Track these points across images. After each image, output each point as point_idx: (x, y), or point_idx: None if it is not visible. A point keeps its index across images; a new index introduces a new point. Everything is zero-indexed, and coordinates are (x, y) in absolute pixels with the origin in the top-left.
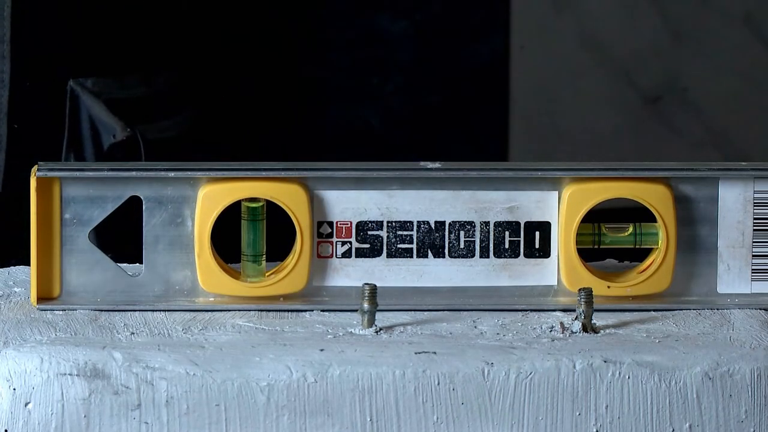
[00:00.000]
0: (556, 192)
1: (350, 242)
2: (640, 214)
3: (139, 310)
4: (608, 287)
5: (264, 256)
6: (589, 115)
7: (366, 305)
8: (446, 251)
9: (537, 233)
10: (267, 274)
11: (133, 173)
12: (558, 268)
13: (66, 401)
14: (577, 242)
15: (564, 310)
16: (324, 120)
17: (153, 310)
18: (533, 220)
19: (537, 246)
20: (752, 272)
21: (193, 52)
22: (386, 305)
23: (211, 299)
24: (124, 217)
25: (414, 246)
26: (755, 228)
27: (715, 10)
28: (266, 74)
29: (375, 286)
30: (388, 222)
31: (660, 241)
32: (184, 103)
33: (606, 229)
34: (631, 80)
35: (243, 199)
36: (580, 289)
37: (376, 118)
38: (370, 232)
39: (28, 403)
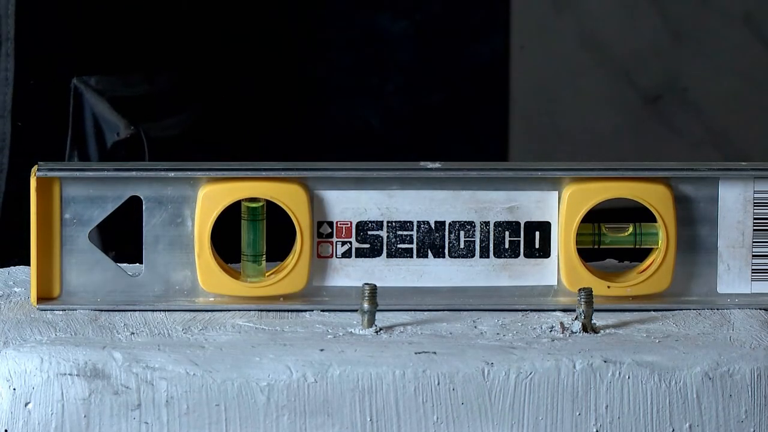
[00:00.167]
0: (556, 192)
1: (350, 242)
2: (640, 214)
3: (139, 310)
4: (608, 287)
5: (264, 256)
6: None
7: (366, 305)
8: (446, 251)
9: (537, 233)
10: (267, 274)
11: (133, 173)
12: (558, 268)
13: (66, 401)
14: (577, 242)
15: (564, 310)
16: (324, 120)
17: (153, 310)
18: (533, 220)
19: (537, 246)
20: (752, 272)
21: (193, 52)
22: (386, 305)
23: (211, 299)
24: (124, 217)
25: (414, 246)
26: (755, 228)
27: (715, 10)
28: (266, 74)
29: (375, 286)
30: (388, 222)
31: (660, 241)
32: (185, 102)
33: (606, 229)
34: (631, 80)
35: (243, 199)
36: (580, 289)
37: (376, 118)
38: (370, 232)
39: (28, 403)
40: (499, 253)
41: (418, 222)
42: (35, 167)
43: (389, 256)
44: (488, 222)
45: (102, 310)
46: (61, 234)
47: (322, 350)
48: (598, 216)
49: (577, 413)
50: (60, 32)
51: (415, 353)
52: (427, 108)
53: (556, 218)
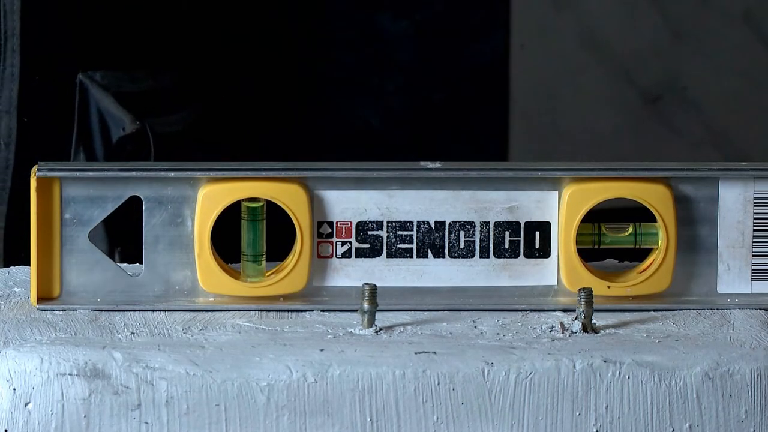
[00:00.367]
0: (556, 192)
1: (350, 242)
2: (640, 214)
3: (139, 310)
4: (608, 287)
5: (264, 256)
6: (589, 114)
7: (366, 305)
8: (446, 251)
9: (537, 233)
10: (267, 274)
11: (133, 173)
12: (558, 268)
13: (66, 401)
14: (577, 242)
15: (564, 310)
16: (324, 120)
17: (153, 310)
18: (533, 220)
19: (537, 246)
20: (752, 272)
21: (193, 52)
22: (386, 305)
23: (211, 299)
24: (124, 217)
25: (414, 246)
26: (755, 228)
27: (715, 9)
28: (266, 74)
29: (375, 286)
30: (388, 222)
31: (660, 241)
32: (186, 100)
33: (606, 229)
34: (631, 80)
35: (243, 199)
36: (580, 289)
37: (376, 118)
38: (370, 232)
39: (28, 403)
40: (499, 253)
41: (418, 222)
42: (35, 167)
43: (389, 256)
44: (488, 222)
45: (102, 310)
46: (61, 234)
47: (322, 350)
48: (598, 216)
49: (577, 413)
50: (65, 28)
51: (415, 353)
52: (427, 108)
53: (556, 218)
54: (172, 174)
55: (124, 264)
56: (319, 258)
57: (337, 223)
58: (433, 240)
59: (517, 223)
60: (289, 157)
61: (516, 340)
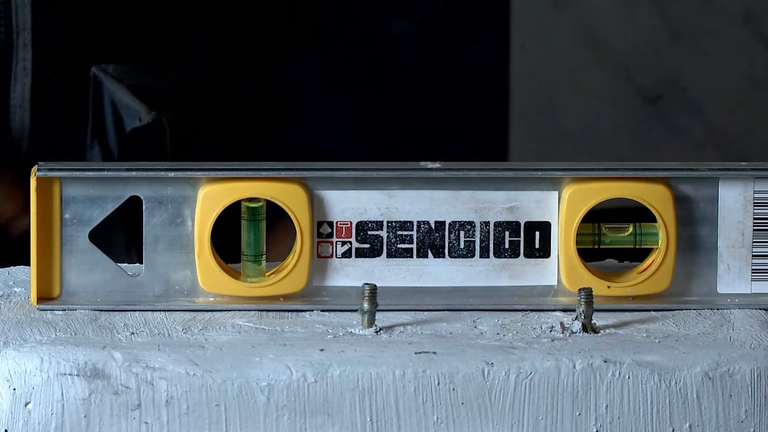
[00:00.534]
0: (556, 192)
1: (350, 242)
2: (640, 214)
3: (139, 310)
4: (608, 287)
5: (264, 256)
6: (589, 114)
7: (366, 305)
8: (446, 251)
9: (537, 233)
10: (267, 274)
11: (133, 173)
12: (558, 268)
13: (66, 401)
14: (577, 242)
15: (564, 310)
16: (324, 120)
17: (153, 310)
18: (533, 220)
19: (537, 246)
20: (752, 272)
21: (193, 52)
22: (386, 305)
23: (211, 299)
24: (124, 216)
25: (414, 246)
26: (755, 228)
27: (715, 9)
28: (266, 74)
29: (375, 286)
30: (388, 222)
31: (660, 241)
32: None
33: (606, 229)
34: (631, 80)
35: (243, 199)
36: (580, 289)
37: (376, 118)
38: (370, 232)
39: (28, 403)
40: (499, 253)
41: (418, 222)
42: (35, 167)
43: (389, 256)
44: (488, 222)
45: (102, 310)
46: (61, 234)
47: (322, 350)
48: (598, 216)
49: (577, 413)
50: (76, 21)
51: (415, 353)
52: (427, 108)
53: (556, 218)
54: (172, 174)
55: (124, 264)
56: (319, 258)
57: (337, 223)
58: (433, 240)
59: (517, 223)
60: (289, 157)
61: (516, 340)
